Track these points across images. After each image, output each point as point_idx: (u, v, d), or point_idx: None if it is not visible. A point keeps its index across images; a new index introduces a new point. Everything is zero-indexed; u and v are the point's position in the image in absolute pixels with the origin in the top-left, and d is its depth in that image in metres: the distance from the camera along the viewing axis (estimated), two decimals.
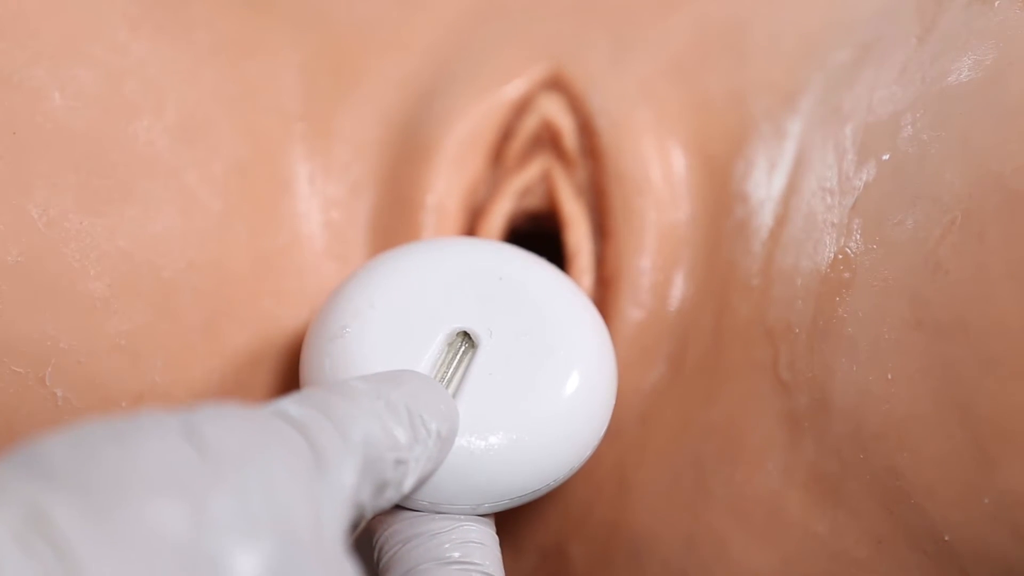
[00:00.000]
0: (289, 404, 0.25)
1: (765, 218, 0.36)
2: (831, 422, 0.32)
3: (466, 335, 0.32)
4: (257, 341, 0.37)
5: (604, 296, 0.39)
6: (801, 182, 0.35)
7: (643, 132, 0.39)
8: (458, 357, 0.32)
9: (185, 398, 0.34)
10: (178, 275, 0.34)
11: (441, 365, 0.31)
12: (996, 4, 0.32)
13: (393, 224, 0.39)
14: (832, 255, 0.33)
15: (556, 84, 0.40)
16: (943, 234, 0.30)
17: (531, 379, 0.31)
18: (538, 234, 0.42)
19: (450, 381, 0.31)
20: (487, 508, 0.31)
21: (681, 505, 0.35)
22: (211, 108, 0.36)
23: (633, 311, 0.39)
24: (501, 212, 0.40)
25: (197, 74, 0.36)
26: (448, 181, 0.39)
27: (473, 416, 0.30)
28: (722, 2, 0.39)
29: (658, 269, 0.39)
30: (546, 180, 0.41)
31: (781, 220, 0.36)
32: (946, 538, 0.30)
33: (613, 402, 0.33)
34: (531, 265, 0.34)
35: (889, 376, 0.31)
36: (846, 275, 0.32)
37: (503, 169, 0.40)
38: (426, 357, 0.31)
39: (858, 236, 0.32)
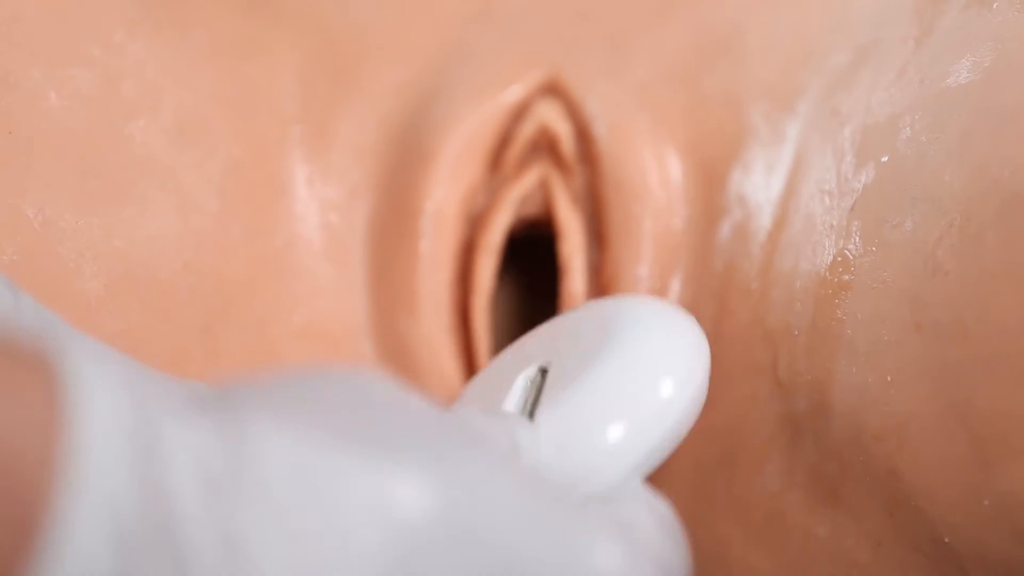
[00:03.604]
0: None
1: (763, 221, 0.36)
2: (831, 424, 0.32)
3: (542, 370, 0.32)
4: (254, 343, 0.36)
5: None
6: (800, 185, 0.35)
7: (640, 138, 0.39)
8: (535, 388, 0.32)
9: None
10: (174, 276, 0.34)
11: (526, 403, 0.32)
12: (994, 6, 0.32)
13: (391, 230, 0.39)
14: (831, 257, 0.33)
15: (553, 90, 0.40)
16: (942, 236, 0.30)
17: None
18: (535, 241, 0.42)
19: (532, 408, 0.31)
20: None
21: (681, 509, 0.35)
22: (208, 109, 0.36)
23: None
24: (501, 225, 0.40)
25: (194, 75, 0.36)
26: (447, 188, 0.39)
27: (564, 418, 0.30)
28: (719, 7, 0.39)
29: (655, 276, 0.39)
30: (543, 187, 0.41)
31: (780, 223, 0.36)
32: (946, 540, 0.30)
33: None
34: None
35: (888, 378, 0.31)
36: (845, 277, 0.32)
37: (501, 176, 0.40)
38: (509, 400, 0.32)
39: (857, 238, 0.32)
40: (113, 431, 0.18)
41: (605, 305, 0.33)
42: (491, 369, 0.34)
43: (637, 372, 0.30)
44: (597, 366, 0.30)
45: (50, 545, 0.17)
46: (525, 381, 0.32)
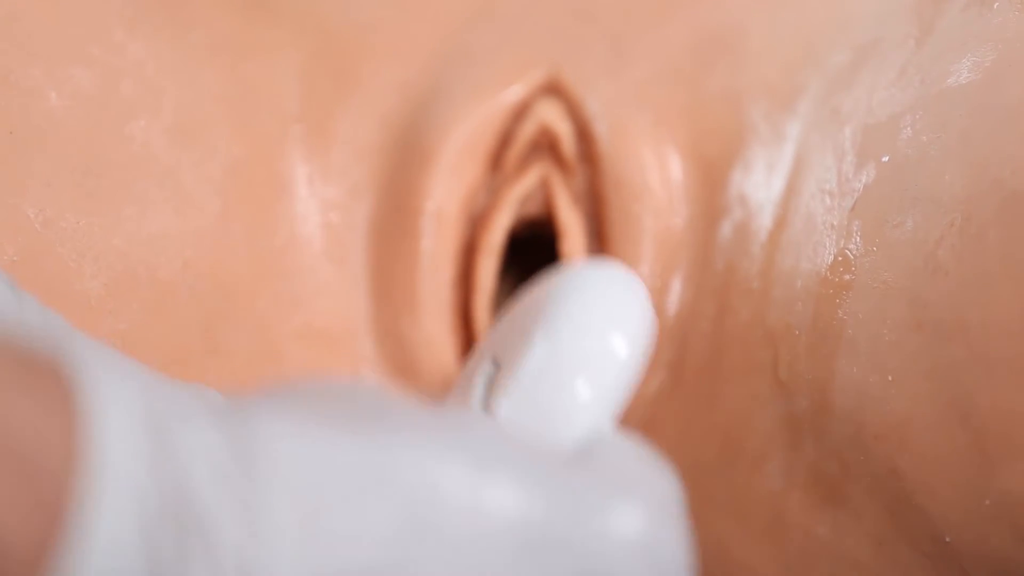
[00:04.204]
0: None
1: (764, 220, 0.36)
2: (831, 424, 0.32)
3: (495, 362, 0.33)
4: (254, 342, 0.37)
5: None
6: (800, 184, 0.35)
7: (641, 137, 0.39)
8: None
9: None
10: (174, 275, 0.34)
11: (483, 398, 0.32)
12: (995, 6, 0.32)
13: (392, 229, 0.39)
14: (832, 257, 0.33)
15: (554, 89, 0.40)
16: (943, 235, 0.30)
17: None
18: (536, 241, 0.42)
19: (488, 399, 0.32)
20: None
21: None
22: (209, 108, 0.36)
23: None
24: (502, 225, 0.40)
25: (195, 74, 0.36)
26: (447, 187, 0.39)
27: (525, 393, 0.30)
28: (719, 6, 0.39)
29: (656, 275, 0.39)
30: (544, 187, 0.41)
31: (780, 222, 0.36)
32: (947, 539, 0.30)
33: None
34: None
35: (889, 377, 0.31)
36: (846, 277, 0.32)
37: (502, 176, 0.40)
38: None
39: (858, 238, 0.32)
40: (130, 429, 0.19)
41: (542, 283, 0.33)
42: (459, 379, 0.34)
43: (583, 330, 0.30)
44: (540, 341, 0.30)
45: (80, 531, 0.18)
46: (483, 378, 0.32)
